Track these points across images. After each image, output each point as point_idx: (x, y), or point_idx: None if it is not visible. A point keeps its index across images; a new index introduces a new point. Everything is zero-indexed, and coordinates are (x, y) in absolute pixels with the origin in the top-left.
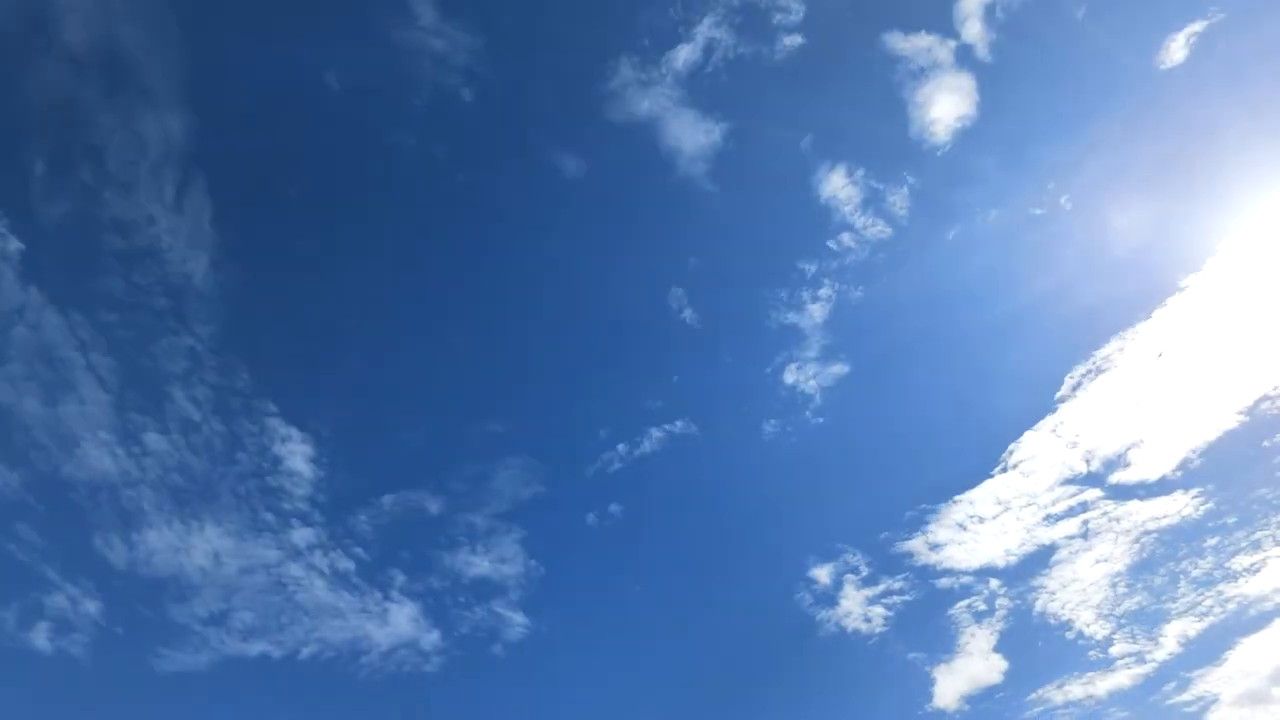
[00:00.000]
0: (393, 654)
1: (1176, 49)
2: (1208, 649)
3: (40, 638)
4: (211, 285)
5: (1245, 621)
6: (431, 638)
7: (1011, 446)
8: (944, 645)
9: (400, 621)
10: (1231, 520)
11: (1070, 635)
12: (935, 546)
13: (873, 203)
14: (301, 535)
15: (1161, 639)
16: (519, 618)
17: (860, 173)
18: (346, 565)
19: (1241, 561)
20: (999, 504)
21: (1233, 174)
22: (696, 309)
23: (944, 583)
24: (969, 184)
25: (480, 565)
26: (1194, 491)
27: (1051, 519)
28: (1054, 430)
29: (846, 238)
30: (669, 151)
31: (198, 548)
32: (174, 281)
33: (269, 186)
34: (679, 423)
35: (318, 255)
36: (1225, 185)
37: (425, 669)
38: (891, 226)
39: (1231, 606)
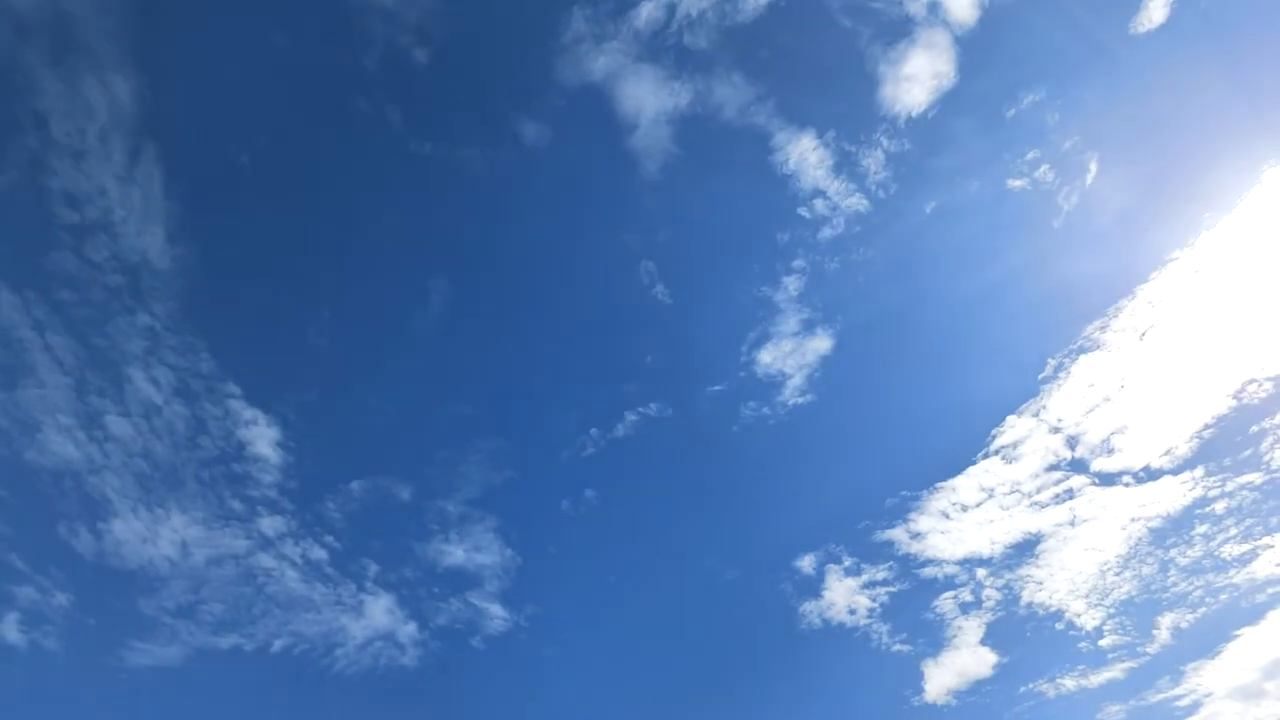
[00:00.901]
0: (368, 647)
1: (1156, 9)
2: (1200, 642)
3: (11, 630)
4: (168, 260)
5: (1238, 614)
6: (408, 630)
7: (995, 431)
8: (931, 637)
9: (376, 613)
10: (1221, 508)
11: (1060, 626)
12: (917, 535)
13: (845, 167)
14: (271, 524)
15: (1154, 631)
16: (497, 609)
17: (831, 134)
18: (319, 555)
19: (1231, 551)
20: (983, 491)
21: (1222, 142)
22: (667, 284)
23: (928, 572)
24: (946, 151)
25: (455, 554)
26: (1182, 478)
27: (1037, 506)
28: (1037, 414)
29: (819, 204)
30: (631, 115)
31: (165, 537)
32: (128, 257)
33: (221, 154)
34: (653, 405)
35: (275, 228)
36: (1214, 154)
37: (403, 662)
38: (866, 195)
39: (1224, 598)
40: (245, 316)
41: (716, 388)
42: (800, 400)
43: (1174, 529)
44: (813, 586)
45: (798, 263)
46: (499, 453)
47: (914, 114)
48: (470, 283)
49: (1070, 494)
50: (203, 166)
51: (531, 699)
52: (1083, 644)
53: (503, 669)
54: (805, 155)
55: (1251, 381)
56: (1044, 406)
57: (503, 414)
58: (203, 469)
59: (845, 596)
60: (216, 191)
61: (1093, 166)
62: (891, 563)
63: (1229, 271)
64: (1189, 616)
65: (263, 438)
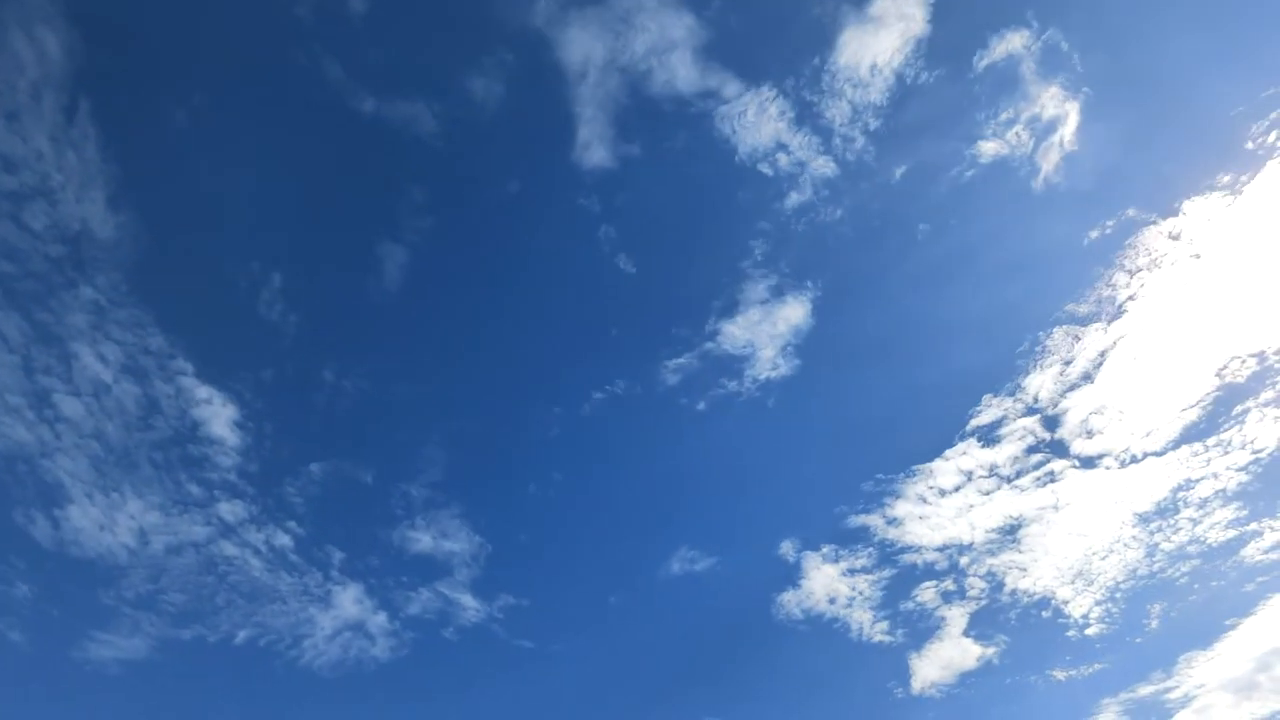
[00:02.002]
0: (337, 638)
1: None
2: (1191, 632)
3: None
4: (110, 229)
5: (1229, 603)
6: (378, 620)
7: (972, 410)
8: (914, 628)
9: (344, 603)
10: (1207, 491)
11: (1047, 614)
12: (894, 521)
13: (807, 120)
14: (231, 509)
15: (1144, 621)
16: (469, 600)
17: (790, 83)
18: (283, 541)
19: (1219, 536)
20: (961, 474)
21: (1214, 96)
22: (629, 251)
23: (908, 558)
24: (916, 105)
25: (422, 541)
26: (1166, 459)
27: (1018, 490)
28: (1014, 394)
29: (782, 160)
30: (579, 64)
31: (122, 524)
32: (69, 225)
33: (157, 112)
34: (620, 383)
35: (217, 192)
36: (1204, 111)
37: (373, 653)
38: (831, 154)
39: (1214, 584)
40: (193, 288)
41: (681, 361)
42: (771, 375)
43: (1159, 513)
44: (791, 574)
45: (762, 224)
46: (461, 433)
47: (879, 62)
48: (424, 251)
49: (1052, 477)
50: (139, 126)
51: (506, 691)
52: (1070, 632)
53: (476, 661)
54: (765, 105)
55: (1235, 358)
56: (1021, 385)
57: (463, 392)
58: (157, 451)
59: (825, 585)
60: (155, 153)
61: (1072, 121)
62: (870, 549)
63: (1217, 240)
64: (1179, 605)
65: (218, 417)
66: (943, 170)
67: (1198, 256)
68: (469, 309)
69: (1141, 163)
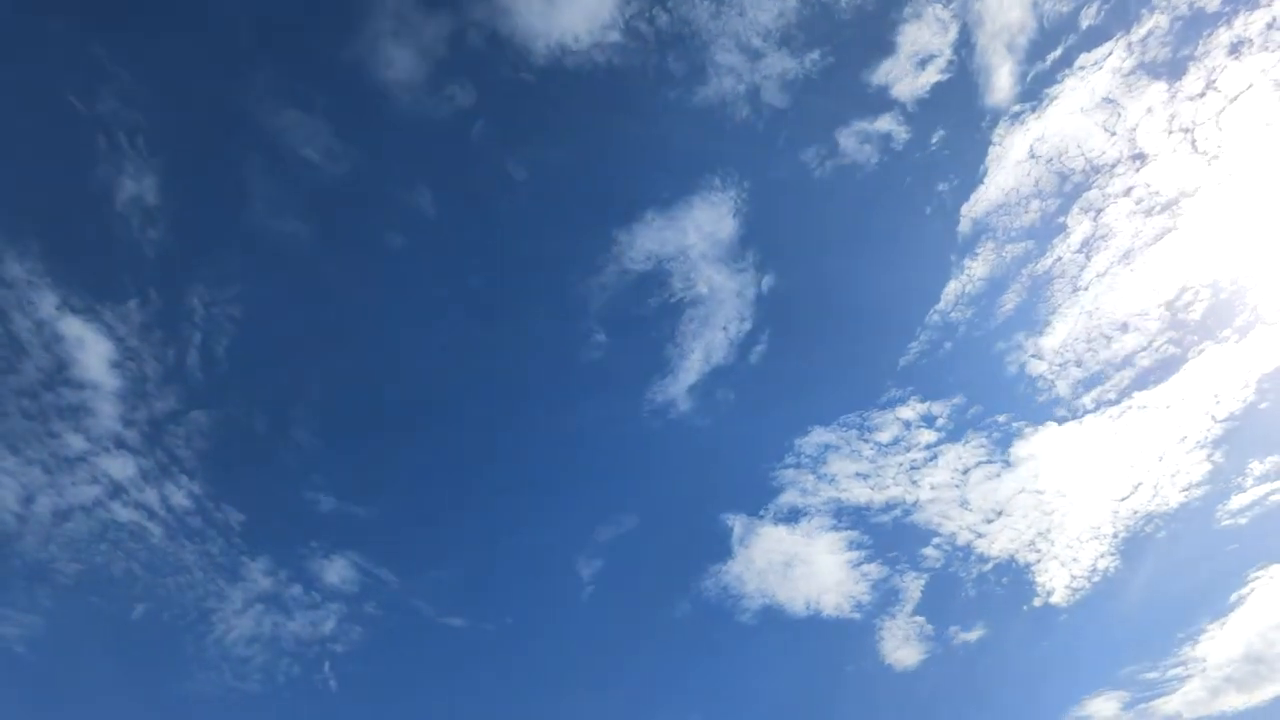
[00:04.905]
0: (248, 611)
1: None
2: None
3: None
4: None
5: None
6: (293, 592)
7: (901, 360)
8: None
9: (253, 574)
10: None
11: (1007, 580)
12: (833, 480)
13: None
14: (119, 465)
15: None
16: (387, 574)
17: None
18: (182, 503)
19: (1188, 496)
20: (903, 427)
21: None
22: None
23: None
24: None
25: (327, 503)
26: (1113, 412)
27: (963, 445)
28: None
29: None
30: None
31: (5, 485)
32: None
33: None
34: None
35: (85, 85)
36: None
37: (290, 628)
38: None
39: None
40: (40, 194)
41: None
42: (686, 294)
43: (1117, 472)
44: (725, 543)
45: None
46: (358, 371)
47: None
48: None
49: (1004, 433)
50: None
51: (437, 671)
52: (1037, 600)
53: (400, 639)
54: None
55: (1187, 289)
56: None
57: (352, 329)
58: (27, 399)
59: (764, 555)
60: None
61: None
62: (813, 515)
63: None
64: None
65: (92, 357)
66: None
67: (1153, 210)
68: (353, 228)
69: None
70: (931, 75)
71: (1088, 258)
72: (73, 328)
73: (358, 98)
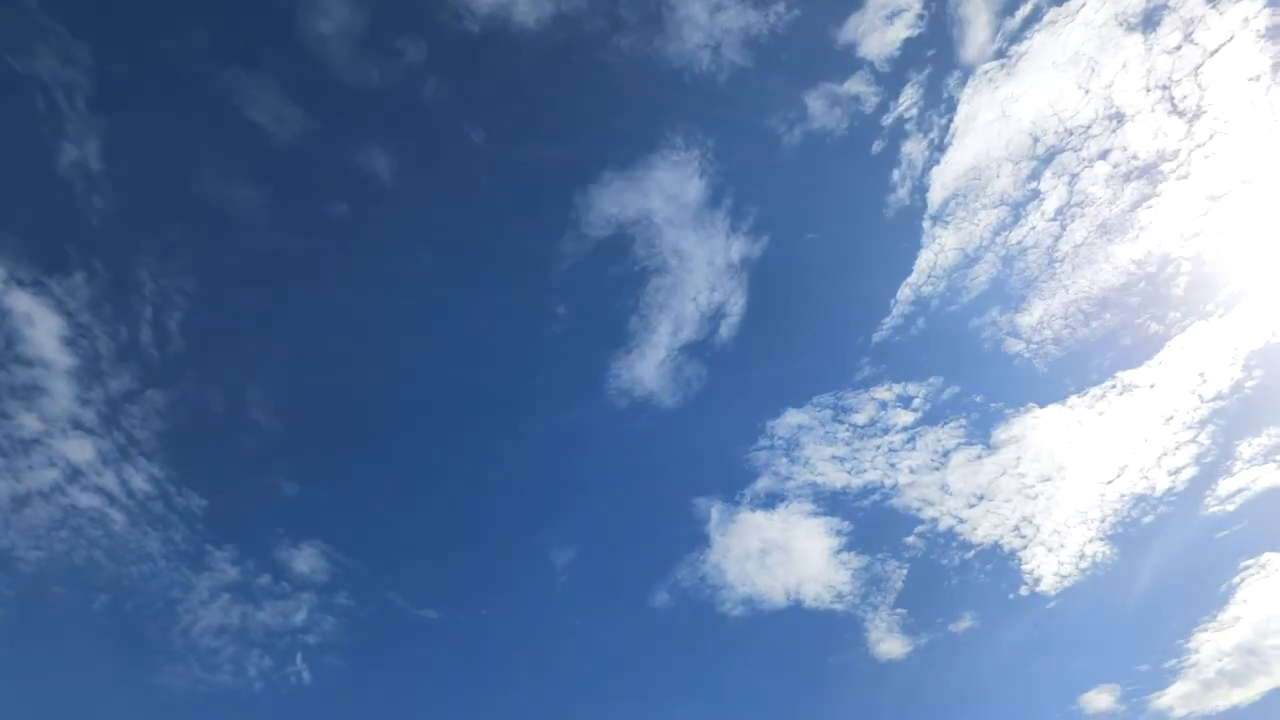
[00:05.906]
0: (215, 601)
1: None
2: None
3: None
4: None
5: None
6: (262, 582)
7: (875, 336)
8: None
9: (218, 562)
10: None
11: (990, 567)
12: (808, 463)
13: None
14: (76, 447)
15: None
16: (356, 563)
17: None
18: (143, 488)
19: (1176, 480)
20: (880, 408)
21: None
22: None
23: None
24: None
25: (289, 487)
26: (1094, 393)
27: (944, 429)
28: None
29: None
30: None
31: None
32: None
33: None
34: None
35: (20, 42)
36: None
37: (260, 618)
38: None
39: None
40: None
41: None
42: (650, 261)
43: (1102, 455)
44: (702, 530)
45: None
46: (314, 353)
47: None
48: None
49: (983, 415)
50: None
51: (411, 663)
52: (1024, 588)
53: (373, 630)
54: None
55: (1169, 261)
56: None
57: (308, 303)
58: None
59: (742, 542)
60: None
61: None
62: (790, 500)
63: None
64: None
65: (41, 332)
66: None
67: (1130, 175)
68: (305, 194)
69: None
70: (901, 30)
71: (1063, 227)
72: (20, 302)
73: (301, 53)
